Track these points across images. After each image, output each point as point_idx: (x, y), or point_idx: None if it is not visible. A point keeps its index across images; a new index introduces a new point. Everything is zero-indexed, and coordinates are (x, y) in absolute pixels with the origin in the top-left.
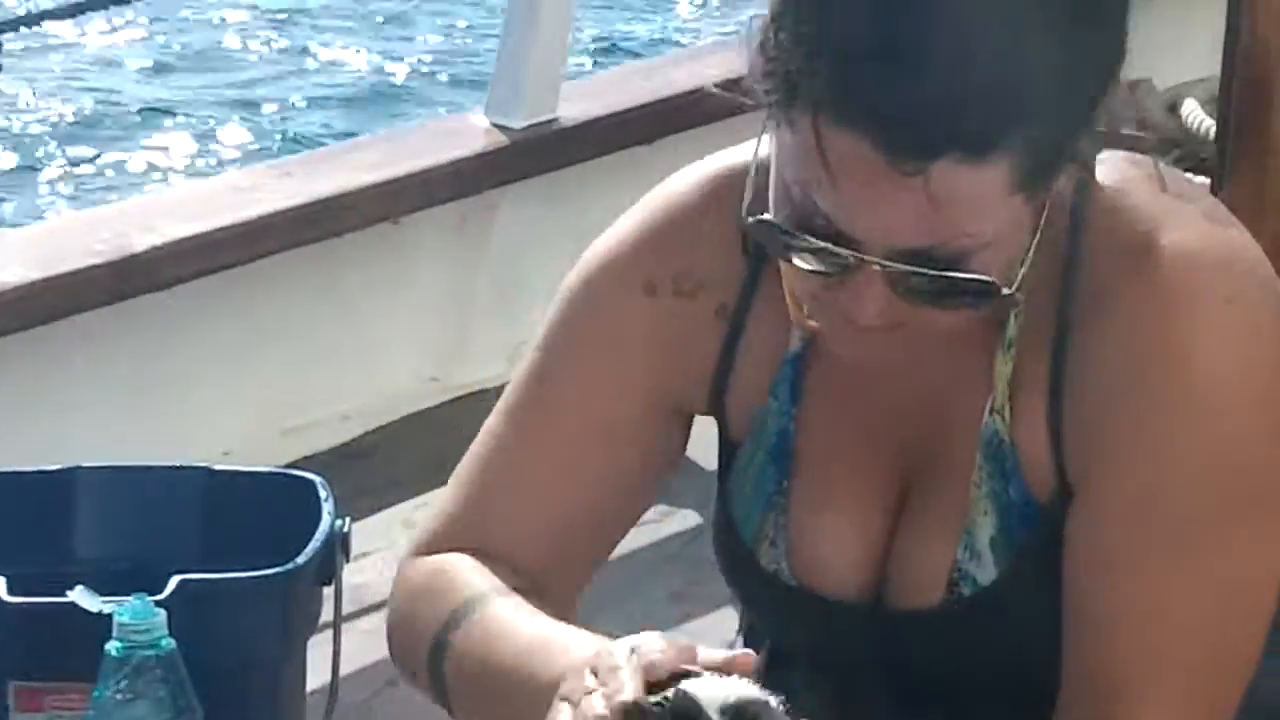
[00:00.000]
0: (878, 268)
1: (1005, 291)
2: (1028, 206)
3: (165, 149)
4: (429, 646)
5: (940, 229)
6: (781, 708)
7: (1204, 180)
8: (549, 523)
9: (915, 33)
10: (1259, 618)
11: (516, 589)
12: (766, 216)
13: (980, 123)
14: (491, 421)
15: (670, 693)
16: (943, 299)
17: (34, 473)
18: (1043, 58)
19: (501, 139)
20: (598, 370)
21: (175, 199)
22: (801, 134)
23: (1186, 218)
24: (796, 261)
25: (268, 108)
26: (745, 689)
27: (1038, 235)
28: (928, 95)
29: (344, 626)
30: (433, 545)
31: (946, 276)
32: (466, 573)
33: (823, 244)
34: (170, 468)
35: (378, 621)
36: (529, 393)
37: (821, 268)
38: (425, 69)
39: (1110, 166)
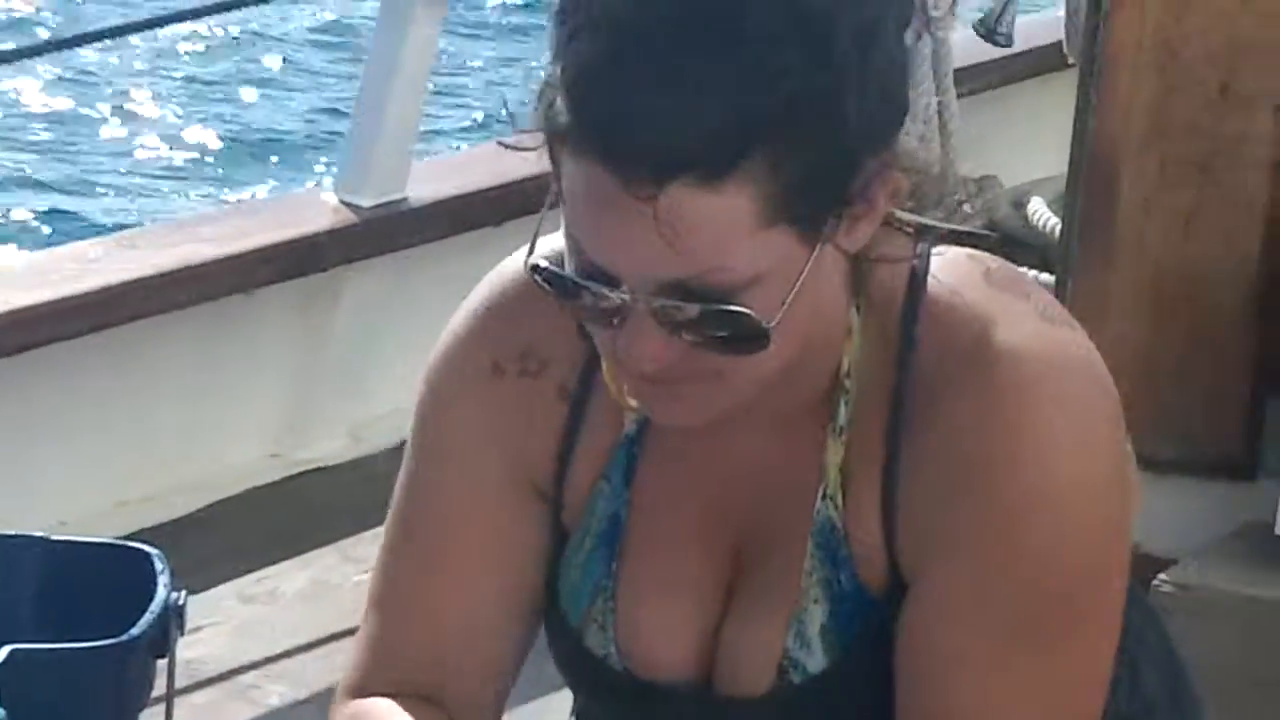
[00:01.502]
0: (643, 305)
1: (763, 325)
2: (800, 247)
3: None
4: None
5: (687, 260)
6: None
7: (1048, 278)
8: (454, 644)
9: (645, 58)
10: (1087, 717)
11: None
12: (537, 261)
13: (715, 144)
14: (385, 540)
15: None
16: (710, 337)
17: None
18: (788, 85)
19: (350, 216)
20: (463, 471)
21: (20, 266)
22: (559, 174)
23: (1021, 316)
24: (570, 305)
25: None
26: None
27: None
28: (657, 119)
29: (177, 700)
30: (355, 687)
31: (710, 309)
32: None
33: (585, 282)
34: (5, 536)
35: (213, 695)
36: (405, 509)
37: (593, 306)
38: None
39: (949, 259)
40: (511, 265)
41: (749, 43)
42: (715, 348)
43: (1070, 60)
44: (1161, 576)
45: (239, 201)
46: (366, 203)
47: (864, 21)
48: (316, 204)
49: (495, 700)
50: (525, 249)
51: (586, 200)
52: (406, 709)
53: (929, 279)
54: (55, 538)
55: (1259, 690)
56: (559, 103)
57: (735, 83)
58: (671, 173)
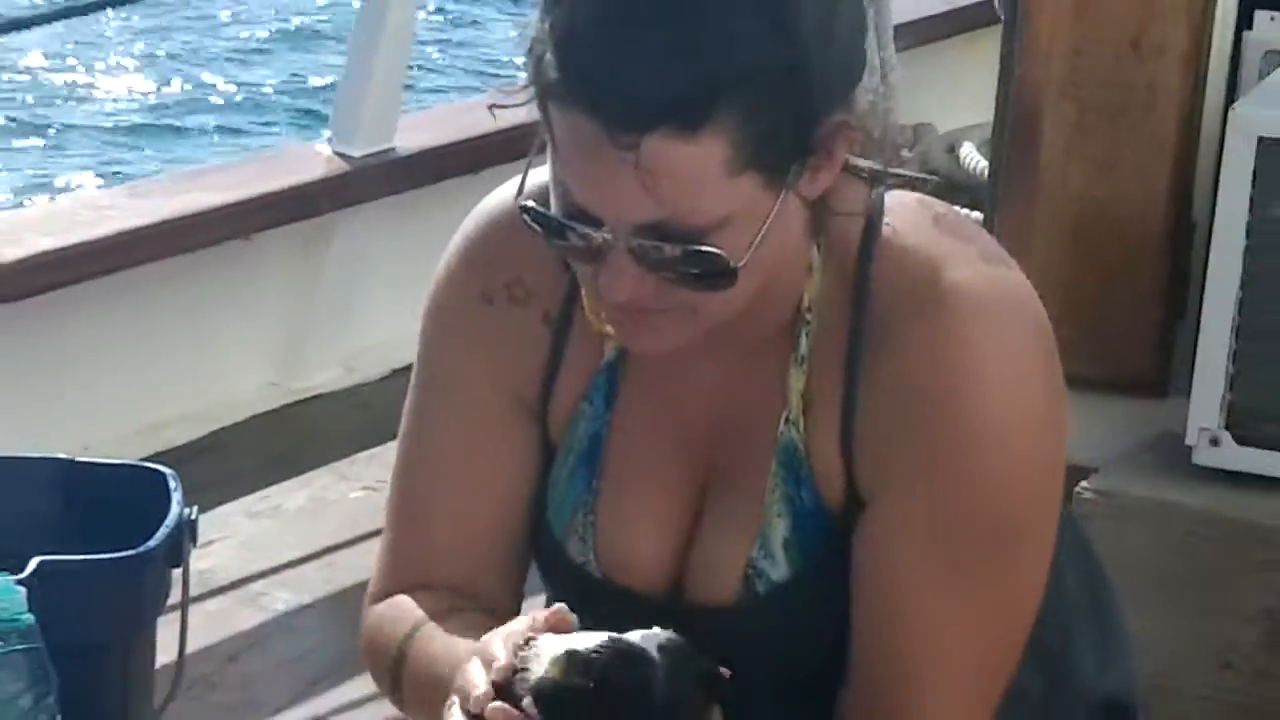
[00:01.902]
0: (622, 244)
1: (731, 264)
2: (766, 193)
3: None
4: (388, 680)
5: (664, 204)
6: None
7: (978, 216)
8: (469, 547)
9: (626, 21)
10: (1023, 623)
11: (456, 609)
12: (527, 202)
13: (690, 99)
14: (396, 456)
15: (605, 638)
16: (683, 274)
17: None
18: (758, 43)
19: (342, 165)
20: (463, 381)
21: (39, 215)
22: (549, 123)
23: (965, 258)
24: (555, 243)
25: None
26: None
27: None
28: (639, 73)
29: (191, 607)
30: (382, 588)
31: (683, 249)
32: (396, 622)
33: (569, 222)
34: (33, 458)
35: (224, 602)
36: (415, 430)
37: (577, 244)
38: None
39: (900, 204)
40: (494, 202)
41: (709, 12)
42: (688, 284)
43: (1000, 15)
44: (1083, 484)
45: (241, 154)
46: (357, 153)
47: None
48: (311, 155)
49: (515, 594)
50: (504, 186)
51: (573, 148)
52: (425, 601)
53: (883, 222)
54: (79, 459)
55: (1167, 588)
56: (548, 57)
57: (701, 47)
58: (650, 124)
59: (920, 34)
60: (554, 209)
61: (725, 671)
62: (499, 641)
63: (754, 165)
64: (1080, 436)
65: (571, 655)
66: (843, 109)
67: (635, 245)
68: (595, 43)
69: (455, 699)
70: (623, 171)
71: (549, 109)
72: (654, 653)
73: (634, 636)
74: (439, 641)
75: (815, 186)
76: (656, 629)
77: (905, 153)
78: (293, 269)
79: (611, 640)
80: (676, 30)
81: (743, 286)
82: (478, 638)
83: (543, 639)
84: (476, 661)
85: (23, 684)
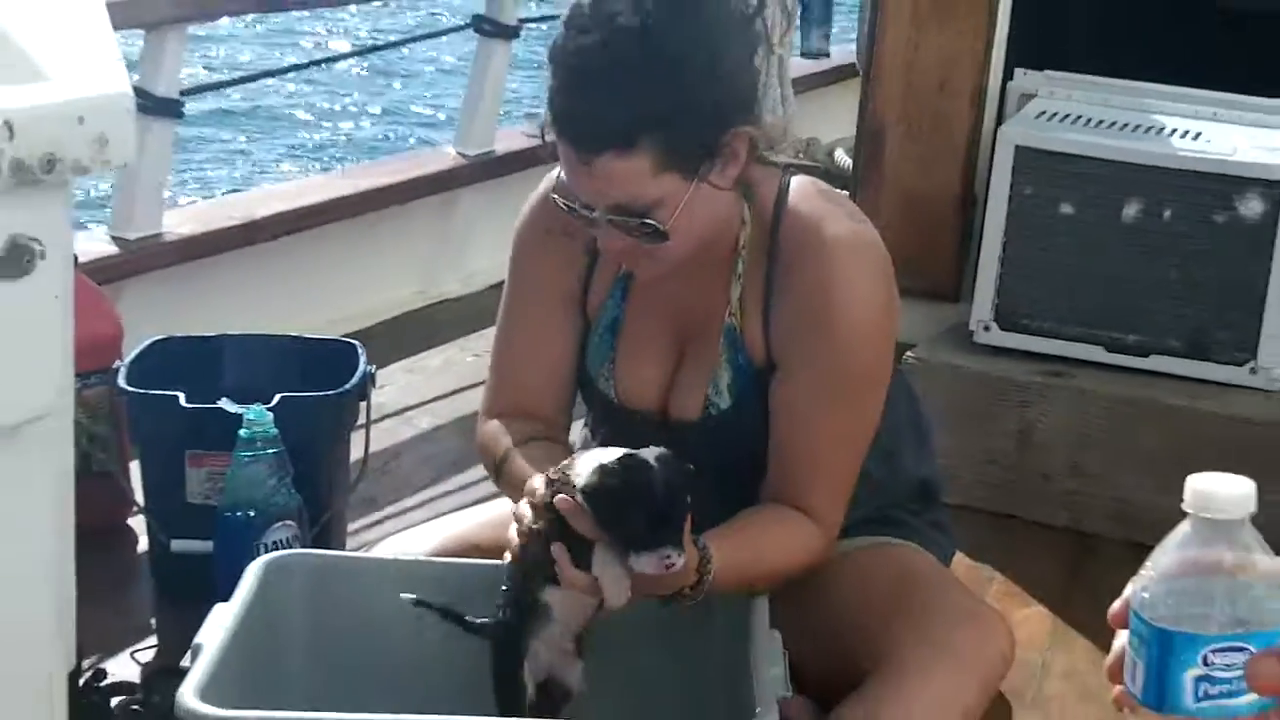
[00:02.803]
0: (600, 218)
1: (661, 228)
2: (683, 183)
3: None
4: (493, 474)
5: (617, 196)
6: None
7: (846, 193)
8: (541, 385)
9: (582, 81)
10: (868, 436)
11: (535, 434)
12: (553, 195)
13: (622, 133)
14: (495, 332)
15: (622, 453)
16: (639, 235)
17: (204, 337)
18: (662, 94)
19: (461, 160)
20: (535, 282)
21: (291, 188)
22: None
23: (839, 217)
24: (571, 216)
25: None
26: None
27: (752, 208)
28: (589, 120)
29: (373, 426)
30: (486, 411)
31: (637, 222)
32: (499, 437)
33: (572, 205)
34: (278, 335)
35: (390, 424)
36: (505, 307)
37: (581, 218)
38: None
39: (799, 182)
40: (544, 184)
41: (630, 77)
42: (644, 240)
43: (859, 70)
44: (909, 354)
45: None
46: (470, 152)
47: (709, 57)
48: (442, 155)
49: (567, 414)
50: (550, 174)
51: (563, 161)
52: (513, 426)
53: (788, 194)
54: (305, 336)
55: (957, 415)
56: (547, 106)
57: (626, 100)
58: (599, 150)
59: (813, 82)
60: (562, 198)
61: (691, 468)
62: (540, 476)
63: (671, 168)
64: (907, 325)
65: (602, 465)
66: (742, 123)
67: (607, 219)
68: (565, 98)
69: (525, 496)
70: (589, 177)
71: (544, 133)
72: (653, 462)
73: (643, 452)
74: (519, 463)
75: (726, 176)
76: (653, 447)
77: (801, 154)
78: (432, 226)
79: (627, 455)
80: (610, 91)
81: (678, 241)
82: (545, 458)
83: (578, 459)
84: (537, 476)
85: (271, 473)
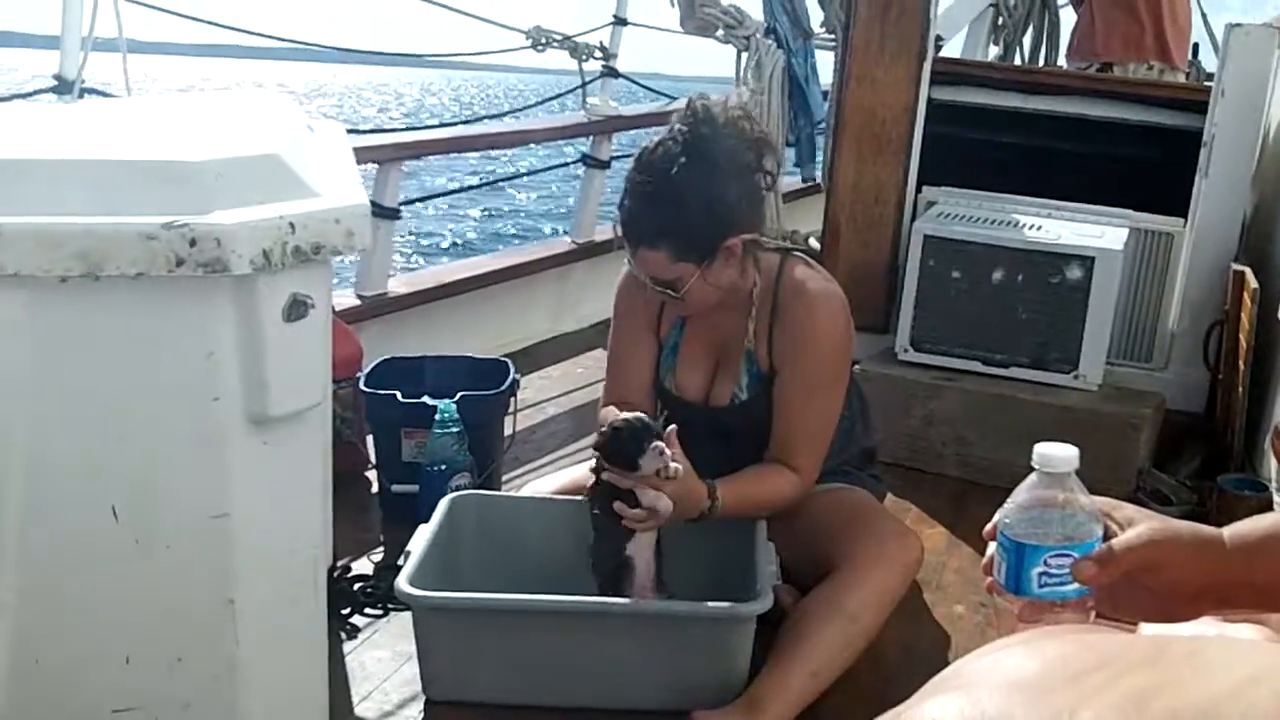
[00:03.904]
0: (651, 283)
1: (678, 294)
2: (693, 269)
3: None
4: None
5: (652, 271)
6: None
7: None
8: (634, 384)
9: (635, 206)
10: (835, 416)
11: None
12: (633, 270)
13: (652, 238)
14: (609, 352)
15: (632, 416)
16: (671, 295)
17: (412, 357)
18: (675, 219)
19: (572, 246)
20: (629, 320)
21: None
22: None
23: (816, 278)
24: (646, 283)
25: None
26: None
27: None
28: (635, 226)
29: (517, 414)
30: (604, 401)
31: (667, 287)
32: (609, 416)
33: (640, 274)
34: (459, 356)
35: (528, 412)
36: (612, 335)
37: (648, 284)
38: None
39: (790, 259)
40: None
41: (658, 206)
42: (677, 296)
43: (823, 188)
44: (857, 366)
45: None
46: (580, 240)
47: (707, 197)
48: (562, 241)
49: (649, 405)
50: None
51: (627, 249)
52: (617, 409)
53: (785, 265)
54: (474, 355)
55: (884, 407)
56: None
57: (655, 219)
58: (637, 245)
59: (798, 195)
60: (635, 269)
61: (646, 416)
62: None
63: (683, 259)
64: (858, 348)
65: (612, 423)
66: (736, 233)
67: (655, 286)
68: (624, 211)
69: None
70: (638, 259)
71: (615, 231)
72: (622, 421)
73: (621, 416)
74: None
75: (727, 266)
76: (635, 412)
77: (788, 239)
78: (555, 286)
79: (635, 417)
80: (646, 211)
81: (694, 299)
82: None
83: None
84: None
85: (454, 442)
